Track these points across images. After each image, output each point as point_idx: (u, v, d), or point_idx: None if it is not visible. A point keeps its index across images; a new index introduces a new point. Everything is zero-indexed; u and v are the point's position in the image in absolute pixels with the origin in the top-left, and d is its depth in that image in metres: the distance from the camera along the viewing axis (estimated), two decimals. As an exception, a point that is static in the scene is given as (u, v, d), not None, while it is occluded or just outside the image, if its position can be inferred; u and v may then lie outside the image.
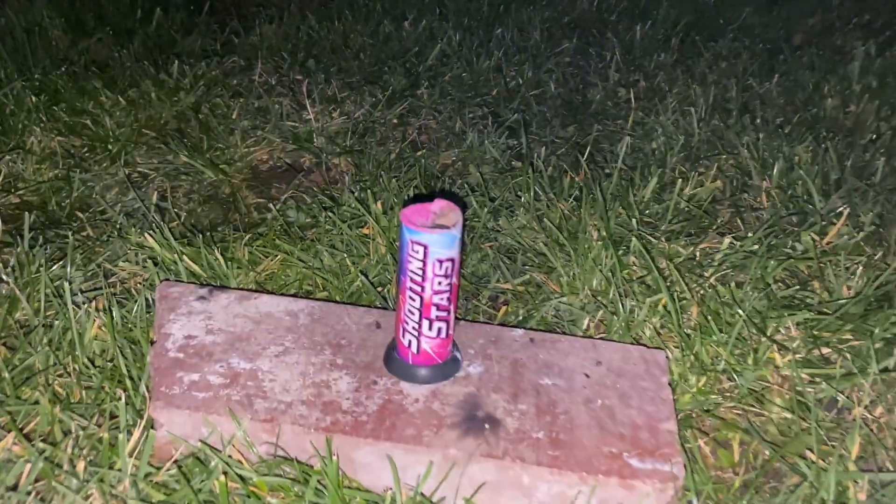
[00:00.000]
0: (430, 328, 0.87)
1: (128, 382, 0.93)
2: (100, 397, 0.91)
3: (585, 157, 1.49)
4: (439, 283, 0.84)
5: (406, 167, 1.49)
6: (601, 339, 1.05)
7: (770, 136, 1.62)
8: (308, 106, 1.69)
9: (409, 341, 0.88)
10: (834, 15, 2.45)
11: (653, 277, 1.14)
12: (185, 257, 1.15)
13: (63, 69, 1.79)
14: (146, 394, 0.91)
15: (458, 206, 0.86)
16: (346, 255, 1.21)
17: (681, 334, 1.05)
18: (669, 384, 0.93)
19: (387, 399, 0.87)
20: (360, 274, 1.16)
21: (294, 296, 1.11)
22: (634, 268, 1.20)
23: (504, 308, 1.13)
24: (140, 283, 1.14)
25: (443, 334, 0.88)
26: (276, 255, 1.20)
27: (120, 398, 0.87)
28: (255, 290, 1.08)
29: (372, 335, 0.97)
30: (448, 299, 0.86)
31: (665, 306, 1.09)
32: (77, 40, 2.05)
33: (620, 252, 1.19)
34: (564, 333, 1.06)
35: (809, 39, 2.28)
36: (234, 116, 1.67)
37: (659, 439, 0.84)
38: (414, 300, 0.85)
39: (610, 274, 1.15)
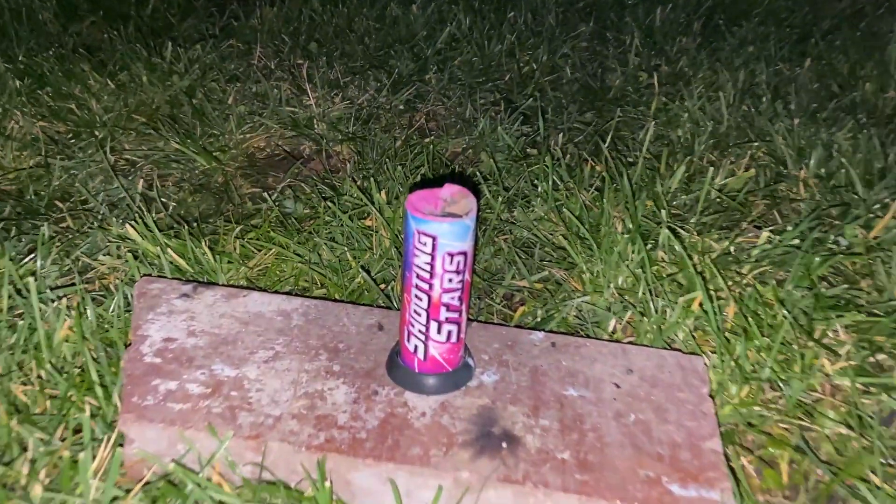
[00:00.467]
0: (439, 331, 0.76)
1: (98, 391, 0.82)
2: (65, 407, 0.81)
3: (607, 144, 1.38)
4: (450, 280, 0.73)
5: (413, 154, 1.38)
6: (630, 343, 0.94)
7: (805, 123, 1.50)
8: (309, 91, 1.59)
9: (416, 346, 0.77)
10: (864, -1, 2.33)
11: (686, 274, 1.03)
12: (169, 250, 1.05)
13: (51, 52, 1.69)
14: (119, 404, 0.81)
15: (470, 192, 0.75)
16: (346, 249, 1.11)
17: (719, 338, 0.94)
18: (710, 395, 0.82)
19: (389, 412, 0.76)
20: (360, 269, 1.05)
21: (288, 293, 1.00)
22: (663, 264, 1.09)
23: (521, 308, 1.02)
24: (119, 279, 1.03)
25: (453, 338, 0.77)
26: (271, 249, 1.10)
27: (86, 409, 0.76)
28: (246, 287, 0.98)
29: (373, 338, 0.86)
30: (460, 298, 0.75)
31: (701, 306, 0.98)
32: (69, 24, 1.95)
33: (648, 246, 1.08)
34: (589, 337, 0.95)
35: (839, 24, 2.15)
36: (229, 101, 1.56)
37: (702, 460, 0.73)
38: (421, 299, 0.75)
39: (639, 270, 1.04)
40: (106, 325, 0.94)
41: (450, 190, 0.75)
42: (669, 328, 0.97)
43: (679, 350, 0.92)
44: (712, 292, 1.01)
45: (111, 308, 0.96)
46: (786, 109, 1.57)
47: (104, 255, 1.09)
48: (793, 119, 1.50)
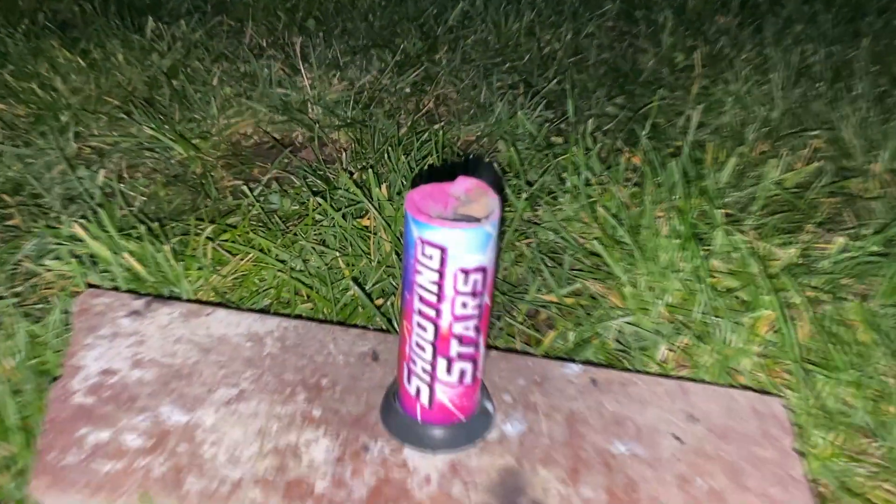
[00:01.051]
0: (449, 371, 0.58)
1: (16, 438, 0.65)
2: (-30, 462, 0.63)
3: (646, 131, 1.19)
4: (464, 306, 0.55)
5: (419, 143, 1.20)
6: (687, 377, 0.76)
7: (870, 108, 1.31)
8: (304, 71, 1.40)
9: (418, 389, 0.59)
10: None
11: (749, 289, 0.84)
12: (125, 255, 0.87)
13: (19, 28, 1.52)
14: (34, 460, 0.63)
15: (490, 188, 0.57)
16: (338, 255, 0.93)
17: (798, 370, 0.75)
18: (798, 451, 0.64)
19: (383, 477, 0.58)
20: (353, 282, 0.87)
21: (264, 312, 0.82)
22: (718, 274, 0.90)
23: (550, 334, 0.84)
24: (64, 289, 0.86)
25: (467, 379, 0.59)
26: (249, 254, 0.92)
27: (-10, 468, 0.59)
28: (211, 304, 0.80)
29: (365, 372, 0.68)
30: (476, 328, 0.57)
31: (771, 329, 0.80)
32: (45, 1, 1.77)
33: (702, 254, 0.90)
34: (636, 371, 0.77)
35: (891, 3, 1.95)
36: (214, 83, 1.38)
37: (800, 550, 0.55)
38: (425, 329, 0.57)
39: (695, 282, 0.85)
40: (41, 349, 0.77)
41: (464, 185, 0.57)
42: (734, 357, 0.78)
43: (749, 388, 0.73)
44: (784, 311, 0.83)
45: (51, 325, 0.79)
46: (848, 94, 1.38)
47: (52, 259, 0.91)
48: (858, 105, 1.31)
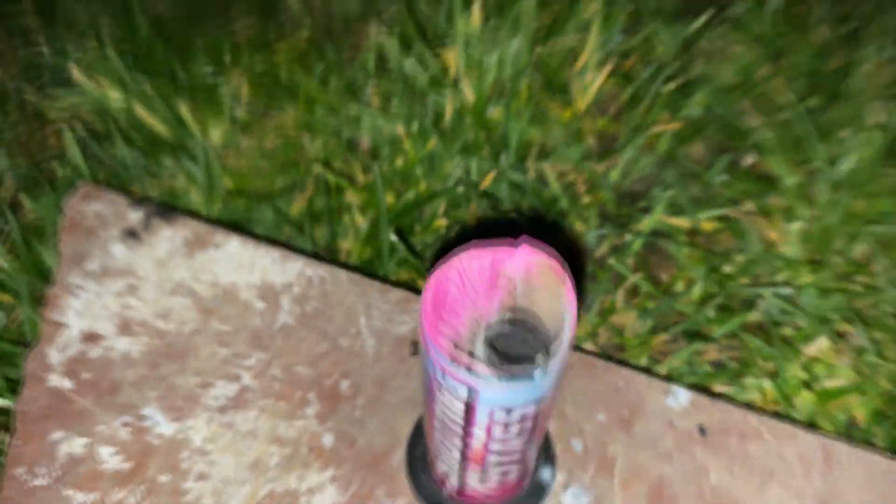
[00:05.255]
0: (484, 480, 0.42)
1: None
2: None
3: None
4: (504, 434, 0.37)
5: None
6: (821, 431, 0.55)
7: None
8: None
9: (446, 473, 0.44)
10: None
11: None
12: (137, 106, 0.69)
13: None
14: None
15: (567, 270, 0.34)
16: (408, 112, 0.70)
17: None
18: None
19: (392, 575, 0.47)
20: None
21: (286, 246, 0.65)
22: None
23: (677, 278, 0.62)
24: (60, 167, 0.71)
25: (511, 479, 0.43)
26: (290, 102, 0.71)
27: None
28: (225, 225, 0.63)
29: (400, 372, 0.53)
30: (523, 447, 0.39)
31: None
32: None
33: None
34: (766, 413, 0.56)
35: None
36: None
37: None
38: (452, 442, 0.40)
39: None
40: (40, 228, 0.65)
41: (525, 259, 0.34)
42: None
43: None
44: None
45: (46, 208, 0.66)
46: None
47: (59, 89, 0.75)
48: None
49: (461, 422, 0.37)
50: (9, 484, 0.50)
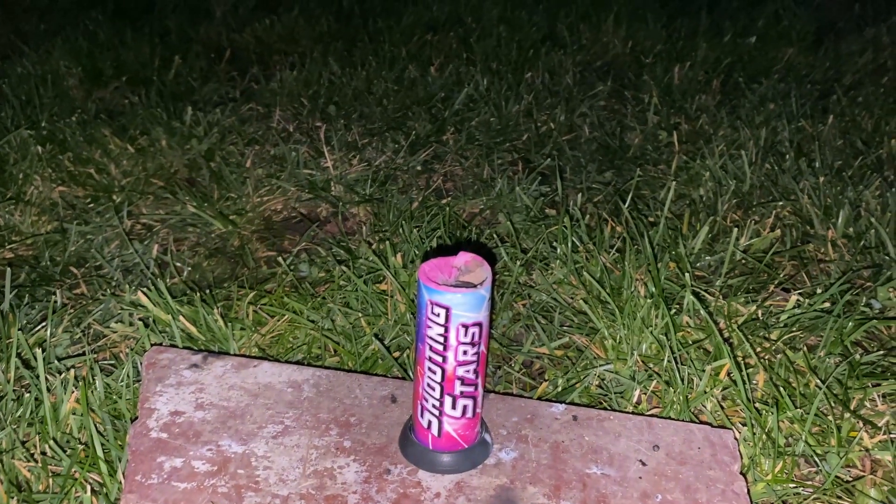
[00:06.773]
0: (454, 406, 0.73)
1: (102, 467, 0.80)
2: (67, 485, 0.78)
3: (627, 204, 1.36)
4: (464, 353, 0.70)
5: (429, 216, 1.37)
6: (656, 415, 0.89)
7: (831, 181, 1.47)
8: (326, 153, 1.59)
9: (429, 422, 0.74)
10: (886, 54, 2.31)
11: (713, 341, 0.99)
12: (181, 318, 1.03)
13: (73, 118, 1.72)
14: (123, 481, 0.78)
15: (485, 261, 0.72)
16: (360, 315, 1.08)
17: (749, 408, 0.89)
18: (742, 473, 0.77)
19: (402, 493, 0.72)
20: (374, 338, 1.02)
21: (299, 363, 0.97)
22: (689, 329, 1.05)
23: (543, 385, 0.98)
24: (130, 348, 1.02)
25: (469, 413, 0.74)
26: (284, 315, 1.08)
27: (87, 488, 0.73)
28: (257, 357, 0.95)
29: (386, 411, 0.83)
30: (475, 371, 0.72)
31: (729, 375, 0.94)
32: (93, 90, 1.99)
33: (673, 311, 1.05)
34: (612, 409, 0.91)
35: (861, 80, 2.13)
36: (247, 165, 1.56)
37: (737, 548, 0.68)
38: (434, 372, 0.72)
39: (663, 336, 1.00)
40: (114, 396, 0.92)
41: (464, 258, 0.72)
42: (697, 398, 0.92)
43: (707, 423, 0.87)
44: (740, 360, 0.97)
45: (120, 378, 0.94)
46: (810, 167, 1.54)
47: (116, 322, 1.08)
48: (818, 177, 1.47)
49: (441, 348, 0.70)
50: (130, 485, 0.72)
